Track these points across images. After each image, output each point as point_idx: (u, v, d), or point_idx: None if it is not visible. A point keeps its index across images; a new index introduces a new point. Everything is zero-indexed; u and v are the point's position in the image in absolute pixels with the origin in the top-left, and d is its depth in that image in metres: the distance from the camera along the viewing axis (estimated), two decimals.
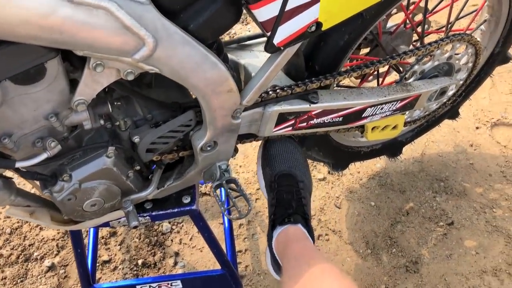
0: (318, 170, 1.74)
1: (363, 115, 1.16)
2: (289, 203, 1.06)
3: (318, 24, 0.84)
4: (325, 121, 1.12)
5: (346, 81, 1.68)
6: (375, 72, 1.45)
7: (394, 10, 1.32)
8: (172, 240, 1.58)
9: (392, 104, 1.19)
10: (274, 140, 1.19)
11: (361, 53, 1.44)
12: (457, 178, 1.73)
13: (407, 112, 1.38)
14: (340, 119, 1.13)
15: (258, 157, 1.21)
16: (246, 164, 1.77)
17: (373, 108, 1.16)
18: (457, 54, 1.29)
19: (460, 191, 1.69)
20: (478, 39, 1.47)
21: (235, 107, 0.91)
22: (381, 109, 1.18)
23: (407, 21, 1.33)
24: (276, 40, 0.83)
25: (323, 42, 1.09)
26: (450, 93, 1.41)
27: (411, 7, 1.40)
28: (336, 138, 1.40)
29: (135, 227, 0.94)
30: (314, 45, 1.11)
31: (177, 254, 1.54)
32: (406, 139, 1.61)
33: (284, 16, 0.80)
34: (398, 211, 1.63)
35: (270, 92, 1.01)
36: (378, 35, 1.30)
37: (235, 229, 1.59)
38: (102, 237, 1.58)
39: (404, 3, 1.35)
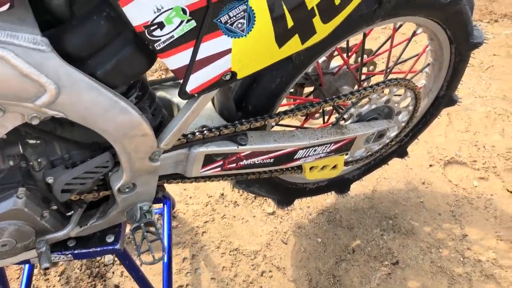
0: (268, 204, 1.74)
1: (295, 157, 1.16)
2: None
3: (233, 73, 0.84)
4: (256, 162, 1.11)
5: (291, 120, 1.66)
6: (320, 111, 1.46)
7: (336, 52, 1.33)
8: (113, 272, 1.55)
9: (326, 147, 1.19)
10: None
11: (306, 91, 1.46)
12: (406, 216, 1.73)
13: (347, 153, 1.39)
14: (271, 160, 1.13)
15: None
16: (196, 195, 1.76)
17: (305, 150, 1.16)
18: (397, 96, 1.30)
19: (408, 229, 1.69)
20: (424, 81, 1.49)
21: (151, 150, 0.90)
22: (314, 151, 1.18)
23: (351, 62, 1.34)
24: (189, 88, 0.83)
25: (255, 84, 1.10)
26: (392, 134, 1.42)
27: (358, 49, 1.42)
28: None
29: (46, 268, 0.92)
30: (247, 86, 1.11)
31: (117, 287, 1.52)
32: (353, 176, 1.61)
33: (195, 65, 0.80)
34: (344, 248, 1.63)
35: (197, 134, 1.01)
36: (316, 78, 1.31)
37: (178, 263, 1.57)
38: None
39: (349, 43, 1.36)
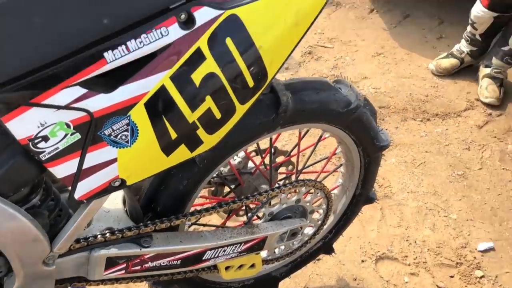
0: None
1: (204, 258, 1.18)
2: None
3: (122, 180, 0.90)
4: (162, 264, 1.13)
5: (216, 218, 1.69)
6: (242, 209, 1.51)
7: (253, 152, 1.41)
8: None
9: (236, 246, 1.22)
10: None
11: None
12: None
13: (265, 251, 1.42)
14: (178, 262, 1.15)
15: None
16: None
17: (214, 250, 1.18)
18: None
19: None
20: (341, 180, 1.57)
21: (44, 254, 0.92)
22: (224, 251, 1.21)
23: (267, 162, 1.42)
24: (78, 194, 0.87)
25: (163, 186, 1.15)
26: (310, 232, 1.47)
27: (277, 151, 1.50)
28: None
29: None
30: (155, 188, 1.16)
31: None
32: (281, 274, 1.62)
33: (82, 173, 0.85)
34: None
35: (99, 236, 1.03)
36: (234, 177, 1.38)
37: None
38: None
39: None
